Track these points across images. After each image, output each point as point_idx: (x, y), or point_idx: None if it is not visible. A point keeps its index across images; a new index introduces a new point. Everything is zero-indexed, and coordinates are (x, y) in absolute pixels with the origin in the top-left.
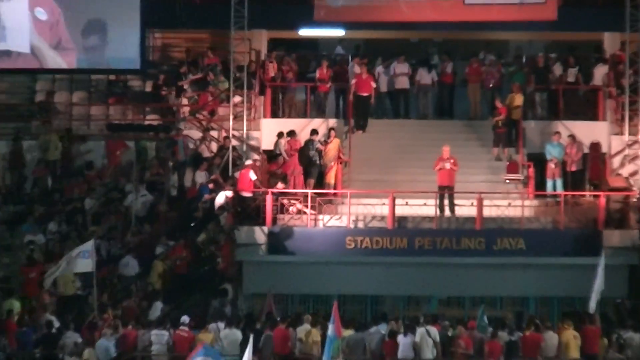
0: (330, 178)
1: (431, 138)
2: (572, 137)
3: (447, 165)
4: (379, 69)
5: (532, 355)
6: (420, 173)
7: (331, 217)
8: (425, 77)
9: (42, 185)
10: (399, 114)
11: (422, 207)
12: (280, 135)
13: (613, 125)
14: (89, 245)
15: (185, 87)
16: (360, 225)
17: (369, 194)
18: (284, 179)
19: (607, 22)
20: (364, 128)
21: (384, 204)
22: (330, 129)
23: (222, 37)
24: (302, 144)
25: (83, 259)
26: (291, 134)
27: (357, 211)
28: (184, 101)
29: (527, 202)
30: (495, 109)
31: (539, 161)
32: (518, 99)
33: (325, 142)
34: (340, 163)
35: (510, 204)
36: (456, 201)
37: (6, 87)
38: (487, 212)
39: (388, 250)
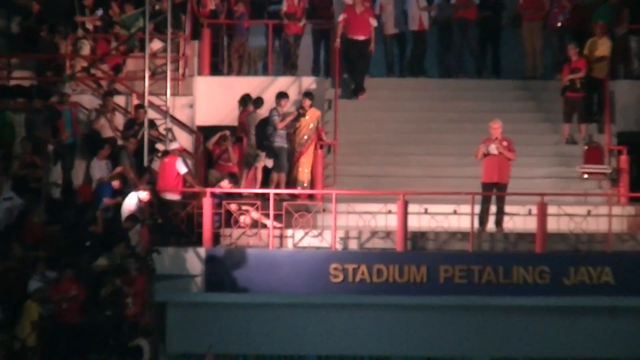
0: (303, 171)
1: (464, 109)
2: None
3: (496, 151)
4: None
5: None
6: (448, 164)
7: (306, 233)
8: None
9: None
10: (414, 71)
11: (451, 218)
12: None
13: None
14: None
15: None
16: (353, 245)
17: (366, 197)
18: (233, 175)
19: None
20: (358, 92)
21: (389, 212)
22: (304, 95)
23: None
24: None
25: None
26: (244, 101)
27: (347, 223)
28: (73, 49)
29: (617, 210)
30: (566, 62)
31: (636, 145)
32: (603, 47)
33: (298, 115)
34: (320, 147)
35: (591, 213)
36: (507, 208)
37: None
38: (554, 225)
39: (397, 285)
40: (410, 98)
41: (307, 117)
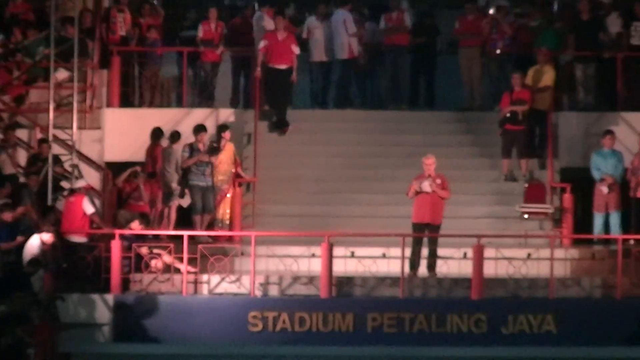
0: (224, 211)
1: (396, 142)
2: None
3: (430, 189)
4: (311, 22)
5: None
6: (378, 202)
7: (223, 279)
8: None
9: None
10: (343, 102)
11: (380, 262)
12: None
13: None
14: None
15: None
16: (273, 291)
17: (288, 239)
18: (144, 215)
19: None
20: (281, 125)
21: (313, 255)
22: (221, 127)
23: None
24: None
25: None
26: (157, 136)
27: (267, 268)
28: None
29: (559, 253)
30: (506, 91)
31: (581, 182)
32: (547, 76)
33: (212, 149)
34: (239, 185)
35: (532, 256)
36: (441, 250)
37: None
38: (492, 269)
39: (321, 334)
40: (337, 131)
41: (224, 153)
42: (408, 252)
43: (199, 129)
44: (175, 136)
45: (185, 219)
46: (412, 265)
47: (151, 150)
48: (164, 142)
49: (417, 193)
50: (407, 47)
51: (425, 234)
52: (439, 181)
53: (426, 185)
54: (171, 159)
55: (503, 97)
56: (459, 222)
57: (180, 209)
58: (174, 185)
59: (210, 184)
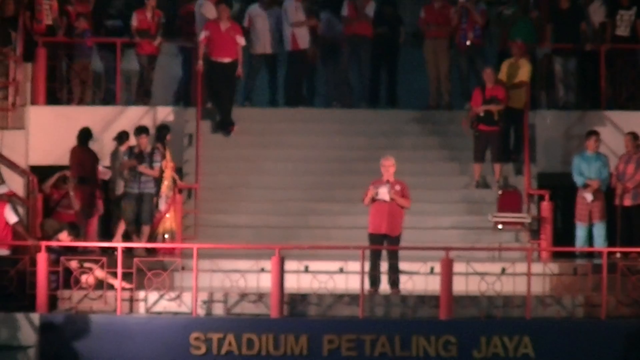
0: (166, 221)
1: (354, 145)
2: (633, 135)
3: (388, 196)
4: (253, 10)
5: None
6: (334, 212)
7: (162, 296)
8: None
9: None
10: (295, 100)
11: (338, 277)
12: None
13: None
14: None
15: None
16: (218, 310)
17: (235, 252)
18: (74, 225)
19: None
20: (226, 125)
21: (262, 270)
22: (161, 128)
23: None
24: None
25: None
26: (84, 137)
27: (211, 284)
28: None
29: (537, 268)
30: (479, 88)
31: (561, 189)
32: (522, 70)
33: (152, 151)
34: (179, 192)
35: (506, 271)
36: (404, 265)
37: None
38: (462, 285)
39: (271, 358)
40: (289, 132)
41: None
42: (368, 266)
43: (139, 130)
44: (122, 137)
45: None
46: (373, 281)
47: (77, 153)
48: (116, 144)
49: (374, 200)
50: (369, 38)
51: (385, 246)
52: (398, 187)
53: (384, 193)
54: (117, 163)
55: (474, 94)
56: (425, 234)
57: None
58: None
59: (147, 191)
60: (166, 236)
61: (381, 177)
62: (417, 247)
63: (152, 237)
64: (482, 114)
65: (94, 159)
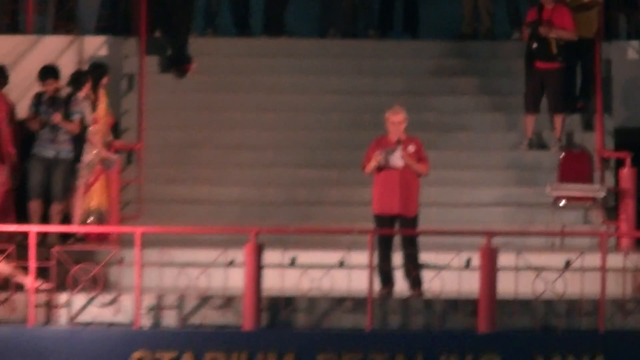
0: (99, 195)
1: (357, 89)
2: None
3: (401, 162)
4: None
5: None
6: (329, 181)
7: (92, 300)
8: None
9: None
10: (276, 25)
11: (336, 273)
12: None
13: None
14: None
15: None
16: (170, 320)
17: (193, 237)
18: None
19: None
20: (180, 62)
21: (231, 263)
22: (94, 68)
23: None
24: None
25: None
26: None
27: (161, 283)
28: None
29: (615, 260)
30: (534, 9)
31: None
32: None
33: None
34: (115, 151)
35: (572, 265)
36: (427, 257)
37: None
38: (510, 285)
39: None
40: (266, 71)
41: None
42: (378, 259)
43: (47, 73)
44: (79, 79)
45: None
46: (385, 279)
47: None
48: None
49: (380, 168)
50: None
51: (398, 229)
52: (412, 148)
53: (396, 157)
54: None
55: (528, 15)
56: (457, 213)
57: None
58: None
59: (62, 156)
60: (90, 219)
61: (387, 134)
62: (446, 230)
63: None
64: (536, 46)
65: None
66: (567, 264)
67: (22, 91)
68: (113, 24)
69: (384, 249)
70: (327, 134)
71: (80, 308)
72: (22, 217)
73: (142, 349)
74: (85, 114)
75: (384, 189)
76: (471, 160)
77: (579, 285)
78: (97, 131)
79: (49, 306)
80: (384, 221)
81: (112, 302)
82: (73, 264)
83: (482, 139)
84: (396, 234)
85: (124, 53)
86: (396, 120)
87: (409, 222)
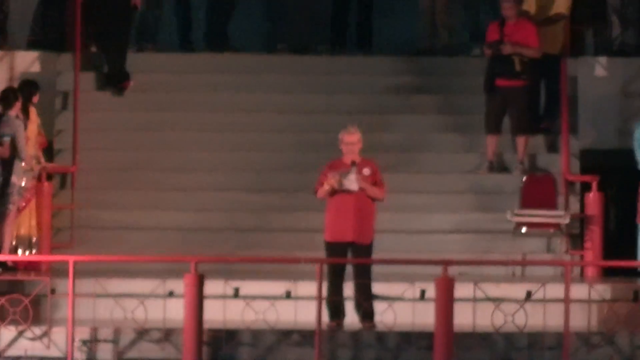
0: (29, 222)
1: (308, 107)
2: None
3: (356, 185)
4: None
5: None
6: (278, 207)
7: (22, 333)
8: None
9: None
10: (220, 40)
11: (283, 305)
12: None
13: None
14: None
15: None
16: (106, 354)
17: (131, 265)
18: None
19: None
20: (117, 79)
21: (171, 294)
22: (25, 86)
23: None
24: None
25: None
26: None
27: (95, 314)
28: None
29: (580, 290)
30: (495, 23)
31: (615, 174)
32: None
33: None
34: (47, 178)
35: (533, 296)
36: (380, 287)
37: None
38: (468, 317)
39: None
40: (211, 89)
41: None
42: (327, 289)
43: None
44: (9, 97)
45: None
46: (335, 310)
47: None
48: None
49: (334, 192)
50: None
51: (350, 259)
52: (367, 171)
53: (351, 181)
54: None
55: (489, 30)
56: (413, 240)
57: None
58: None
59: None
60: (25, 247)
61: (342, 157)
62: (400, 260)
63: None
64: (497, 62)
65: None
66: (529, 295)
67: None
68: (46, 38)
69: (335, 278)
70: (275, 155)
71: (10, 342)
72: None
73: None
74: (17, 135)
75: (338, 215)
76: (427, 183)
77: (542, 317)
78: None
79: None
80: (336, 249)
81: (43, 335)
82: (1, 295)
83: (439, 161)
84: (347, 262)
85: (58, 69)
86: (350, 141)
87: (363, 250)
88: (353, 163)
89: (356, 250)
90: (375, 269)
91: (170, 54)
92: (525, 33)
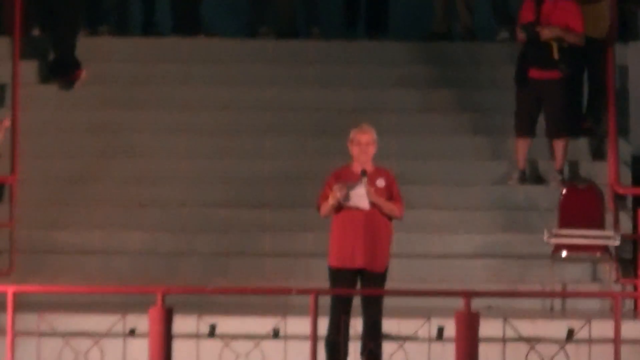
0: None
1: (303, 104)
2: None
3: (366, 201)
4: None
5: None
6: (268, 225)
7: None
8: None
9: None
10: (191, 20)
11: (269, 345)
12: None
13: None
14: None
15: None
16: None
17: (85, 297)
18: None
19: None
20: (66, 69)
21: (132, 332)
22: None
23: None
24: None
25: None
26: None
27: (40, 358)
28: None
29: (632, 329)
30: (529, 3)
31: None
32: None
33: None
34: None
35: (575, 335)
36: (389, 324)
37: None
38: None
39: None
40: (181, 80)
41: None
42: (325, 325)
43: None
44: None
45: None
46: (332, 350)
47: None
48: None
49: (339, 207)
50: None
51: (358, 290)
52: (382, 183)
53: (360, 195)
54: None
55: (523, 9)
56: (428, 266)
57: None
58: None
59: None
60: None
61: (350, 164)
62: (414, 291)
63: None
64: (531, 49)
65: None
66: (571, 334)
67: None
68: None
69: (338, 313)
70: (258, 162)
71: None
72: None
73: None
74: None
75: (345, 235)
76: (446, 197)
77: None
78: None
79: None
80: (342, 277)
81: None
82: None
83: (460, 170)
84: (353, 294)
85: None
86: (363, 140)
87: (375, 280)
88: (363, 172)
89: (367, 280)
90: (384, 302)
91: (130, 38)
92: (567, 14)
